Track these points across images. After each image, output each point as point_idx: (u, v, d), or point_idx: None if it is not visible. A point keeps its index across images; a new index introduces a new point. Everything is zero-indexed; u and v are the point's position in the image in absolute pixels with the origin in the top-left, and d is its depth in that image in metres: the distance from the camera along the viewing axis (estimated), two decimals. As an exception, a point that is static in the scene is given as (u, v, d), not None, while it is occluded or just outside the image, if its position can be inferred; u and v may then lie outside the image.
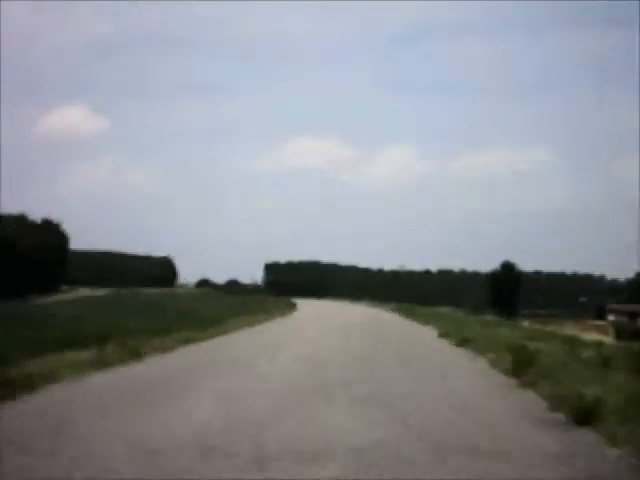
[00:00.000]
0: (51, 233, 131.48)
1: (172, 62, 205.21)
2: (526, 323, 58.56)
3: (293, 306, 61.00)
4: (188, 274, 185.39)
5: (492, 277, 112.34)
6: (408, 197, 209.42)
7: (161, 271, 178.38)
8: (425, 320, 41.72)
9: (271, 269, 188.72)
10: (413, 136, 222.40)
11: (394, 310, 59.25)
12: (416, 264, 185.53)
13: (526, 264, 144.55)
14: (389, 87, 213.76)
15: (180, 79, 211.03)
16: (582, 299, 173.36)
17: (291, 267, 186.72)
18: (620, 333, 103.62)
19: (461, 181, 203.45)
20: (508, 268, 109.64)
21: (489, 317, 66.64)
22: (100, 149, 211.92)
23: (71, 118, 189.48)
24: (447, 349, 24.41)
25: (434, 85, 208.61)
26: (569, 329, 78.41)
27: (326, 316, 45.94)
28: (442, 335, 29.87)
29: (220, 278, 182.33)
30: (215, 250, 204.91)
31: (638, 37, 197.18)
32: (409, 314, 49.81)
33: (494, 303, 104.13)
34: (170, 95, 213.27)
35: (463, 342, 25.25)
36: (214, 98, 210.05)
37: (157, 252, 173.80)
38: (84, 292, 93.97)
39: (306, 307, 60.69)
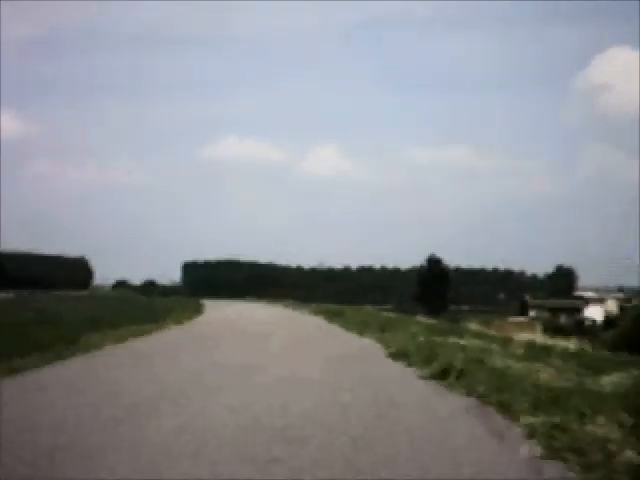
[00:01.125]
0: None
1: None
2: (473, 325, 48.08)
3: (199, 310, 49.33)
4: (110, 275, 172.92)
5: (418, 273, 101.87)
6: (330, 193, 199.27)
7: (75, 272, 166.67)
8: (359, 327, 30.69)
9: (189, 269, 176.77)
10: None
11: (317, 313, 47.63)
12: (335, 261, 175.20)
13: (445, 261, 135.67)
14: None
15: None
16: (501, 295, 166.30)
17: (210, 266, 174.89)
18: (547, 330, 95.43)
19: (384, 179, 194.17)
20: (434, 263, 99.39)
21: (423, 317, 56.13)
22: (33, 148, 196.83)
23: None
24: (428, 397, 12.41)
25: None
26: (503, 329, 68.73)
27: (233, 324, 34.54)
28: (396, 355, 18.60)
29: (139, 279, 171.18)
30: (135, 249, 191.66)
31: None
32: (337, 318, 38.52)
33: (421, 300, 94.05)
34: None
35: (442, 373, 14.37)
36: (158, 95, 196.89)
37: (76, 253, 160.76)
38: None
39: (214, 312, 48.93)
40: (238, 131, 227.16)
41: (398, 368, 16.57)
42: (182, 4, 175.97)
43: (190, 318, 40.23)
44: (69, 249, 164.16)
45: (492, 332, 40.11)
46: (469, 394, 12.14)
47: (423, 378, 14.57)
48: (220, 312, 48.64)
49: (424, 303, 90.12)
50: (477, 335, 32.33)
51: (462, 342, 24.49)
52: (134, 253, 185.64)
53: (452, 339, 25.24)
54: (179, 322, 35.98)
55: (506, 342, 27.82)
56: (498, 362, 16.39)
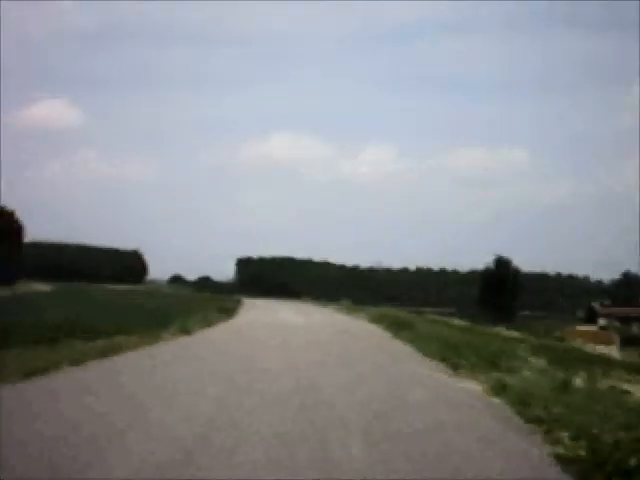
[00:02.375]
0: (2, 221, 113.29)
1: (162, 55, 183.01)
2: (579, 341, 36.10)
3: (229, 313, 37.88)
4: (168, 270, 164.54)
5: (484, 275, 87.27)
6: (388, 195, 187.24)
7: (130, 266, 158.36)
8: (448, 352, 18.67)
9: (243, 265, 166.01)
10: (397, 134, 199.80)
11: (377, 321, 35.38)
12: (394, 262, 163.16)
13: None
14: (381, 85, 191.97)
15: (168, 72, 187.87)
16: (561, 301, 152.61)
17: (264, 263, 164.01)
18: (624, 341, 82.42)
19: (441, 181, 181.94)
20: (503, 265, 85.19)
21: (503, 328, 44.09)
22: (79, 142, 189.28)
23: (51, 111, 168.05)
24: None
25: (425, 83, 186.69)
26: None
27: (259, 344, 22.69)
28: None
29: (196, 274, 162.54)
30: (192, 245, 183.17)
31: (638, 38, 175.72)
32: (406, 333, 26.20)
33: (487, 305, 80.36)
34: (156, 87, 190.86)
35: None
36: (200, 91, 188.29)
37: (133, 247, 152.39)
38: (30, 287, 74.87)
39: (246, 317, 37.23)
40: (285, 128, 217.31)
41: None
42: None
43: (207, 325, 28.88)
44: (128, 243, 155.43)
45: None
46: None
47: None
48: (253, 318, 36.74)
49: (490, 308, 77.02)
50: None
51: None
52: (192, 248, 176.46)
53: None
54: (185, 331, 24.62)
55: None
56: None
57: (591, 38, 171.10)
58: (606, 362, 21.42)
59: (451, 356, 16.53)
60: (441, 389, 12.20)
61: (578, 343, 36.43)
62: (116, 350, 17.05)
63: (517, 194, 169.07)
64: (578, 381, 12.33)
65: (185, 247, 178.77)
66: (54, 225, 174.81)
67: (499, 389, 11.60)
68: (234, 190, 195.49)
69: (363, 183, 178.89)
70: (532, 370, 14.34)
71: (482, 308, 78.51)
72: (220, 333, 25.87)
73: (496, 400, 10.82)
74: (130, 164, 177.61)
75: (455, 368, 14.64)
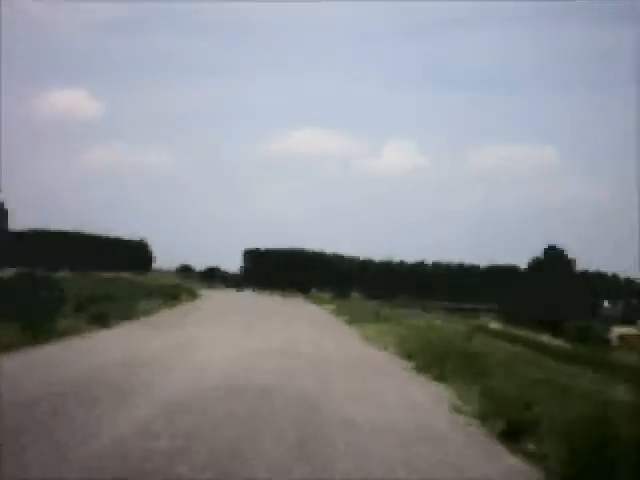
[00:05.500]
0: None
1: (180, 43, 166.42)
2: None
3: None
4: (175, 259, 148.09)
5: (535, 266, 63.22)
6: (410, 190, 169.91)
7: (135, 255, 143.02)
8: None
9: (251, 256, 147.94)
10: (418, 130, 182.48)
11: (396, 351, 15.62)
12: (411, 257, 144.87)
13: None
14: (403, 81, 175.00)
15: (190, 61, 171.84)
16: (605, 302, 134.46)
17: (271, 254, 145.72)
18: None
19: (464, 177, 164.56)
20: (557, 256, 62.59)
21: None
22: (96, 133, 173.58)
23: (69, 101, 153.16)
24: None
25: (447, 80, 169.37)
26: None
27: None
28: None
29: (205, 264, 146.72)
30: (205, 236, 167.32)
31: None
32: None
33: (539, 305, 59.12)
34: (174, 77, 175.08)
35: None
36: (223, 81, 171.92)
37: (150, 237, 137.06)
38: None
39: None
40: (304, 122, 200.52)
41: None
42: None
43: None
44: (140, 234, 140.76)
45: None
46: None
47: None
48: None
49: (546, 310, 56.13)
50: None
51: None
52: (201, 239, 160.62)
53: None
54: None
55: None
56: None
57: (612, 31, 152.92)
58: None
59: None
60: None
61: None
62: None
63: (541, 191, 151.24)
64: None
65: (198, 238, 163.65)
66: (64, 215, 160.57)
67: None
68: (251, 182, 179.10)
69: (381, 179, 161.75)
70: None
71: (528, 308, 58.03)
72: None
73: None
74: (148, 156, 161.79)
75: None
